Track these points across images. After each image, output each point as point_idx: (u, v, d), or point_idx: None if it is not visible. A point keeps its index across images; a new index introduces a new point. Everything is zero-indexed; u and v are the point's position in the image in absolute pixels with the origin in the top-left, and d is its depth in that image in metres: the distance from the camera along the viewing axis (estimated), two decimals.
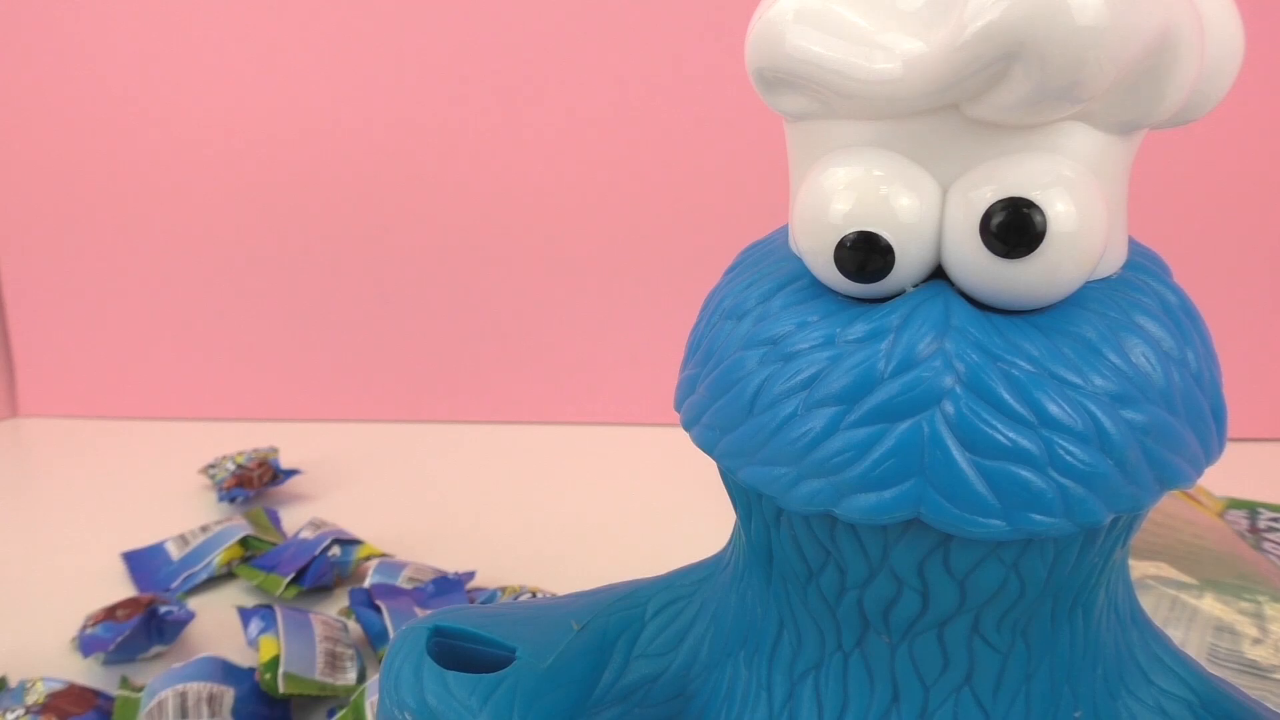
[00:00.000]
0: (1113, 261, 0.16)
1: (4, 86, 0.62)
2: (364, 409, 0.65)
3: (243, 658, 0.36)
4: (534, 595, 0.40)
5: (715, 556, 0.21)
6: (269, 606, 0.39)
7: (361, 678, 0.36)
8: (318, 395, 0.65)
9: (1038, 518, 0.14)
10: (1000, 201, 0.14)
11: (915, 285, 0.15)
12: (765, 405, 0.15)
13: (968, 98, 0.14)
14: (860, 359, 0.15)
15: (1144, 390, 0.15)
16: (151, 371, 0.66)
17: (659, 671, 0.20)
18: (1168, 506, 0.39)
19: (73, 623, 0.40)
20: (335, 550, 0.44)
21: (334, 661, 0.36)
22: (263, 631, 0.37)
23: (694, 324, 0.18)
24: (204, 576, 0.44)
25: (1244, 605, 0.33)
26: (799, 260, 0.17)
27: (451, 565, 0.44)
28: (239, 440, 0.58)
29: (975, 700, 0.17)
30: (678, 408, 0.18)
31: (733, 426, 0.16)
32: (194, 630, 0.40)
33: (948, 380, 0.14)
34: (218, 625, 0.41)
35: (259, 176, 0.62)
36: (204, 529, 0.47)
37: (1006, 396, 0.14)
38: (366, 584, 0.41)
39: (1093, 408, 0.14)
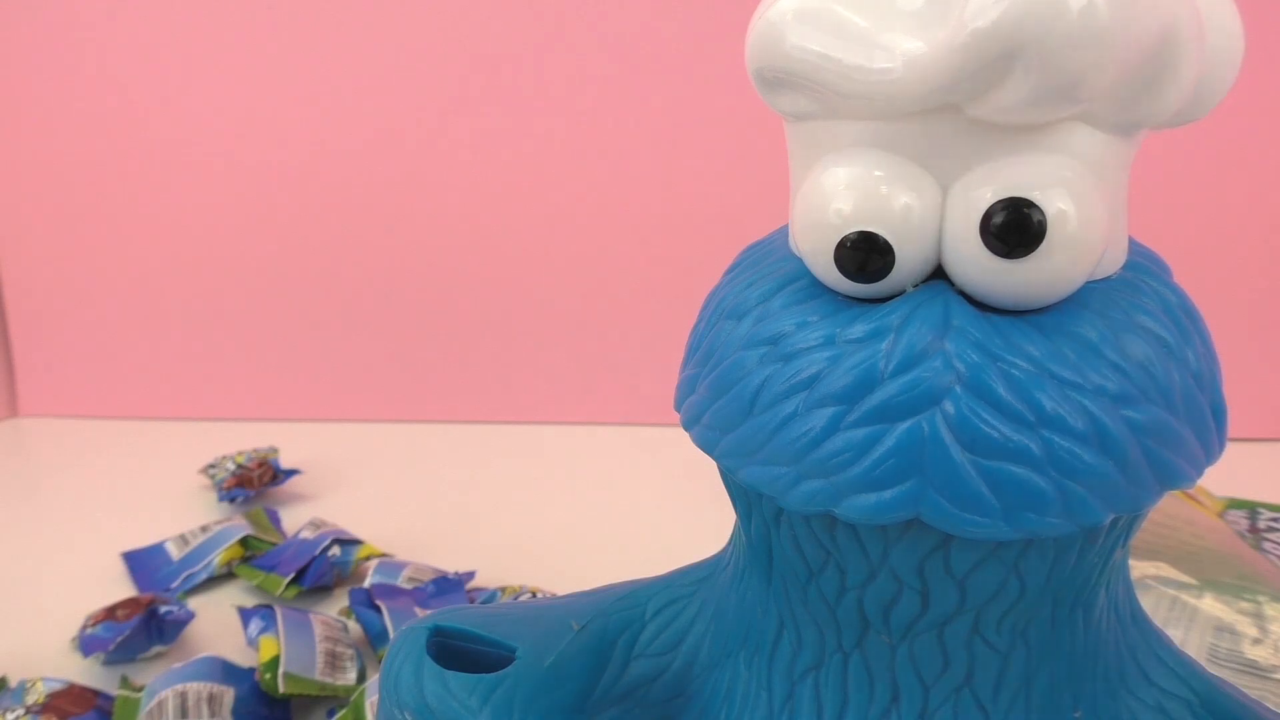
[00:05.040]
0: (1113, 261, 0.16)
1: (5, 88, 0.62)
2: (364, 409, 0.65)
3: (243, 658, 0.36)
4: (534, 595, 0.40)
5: (715, 556, 0.21)
6: (269, 606, 0.39)
7: (361, 678, 0.36)
8: (318, 395, 0.65)
9: (1038, 518, 0.14)
10: (1000, 201, 0.14)
11: (915, 285, 0.15)
12: (765, 405, 0.15)
13: (968, 98, 0.14)
14: (860, 359, 0.15)
15: (1144, 390, 0.15)
16: (151, 371, 0.66)
17: (659, 671, 0.20)
18: (1168, 506, 0.39)
19: (73, 623, 0.40)
20: (335, 550, 0.44)
21: (334, 661, 0.36)
22: (263, 631, 0.37)
23: (694, 324, 0.18)
24: (204, 576, 0.44)
25: (1244, 605, 0.33)
26: (799, 260, 0.17)
27: (451, 565, 0.44)
28: (239, 440, 0.58)
29: (975, 701, 0.17)
30: (678, 408, 0.18)
31: (733, 426, 0.16)
32: (194, 630, 0.40)
33: (948, 380, 0.14)
34: (218, 625, 0.41)
35: (259, 177, 0.62)
36: (204, 529, 0.47)
37: (1007, 396, 0.14)
38: (366, 584, 0.41)
39: (1093, 408, 0.14)
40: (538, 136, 0.60)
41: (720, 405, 0.16)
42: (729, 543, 0.21)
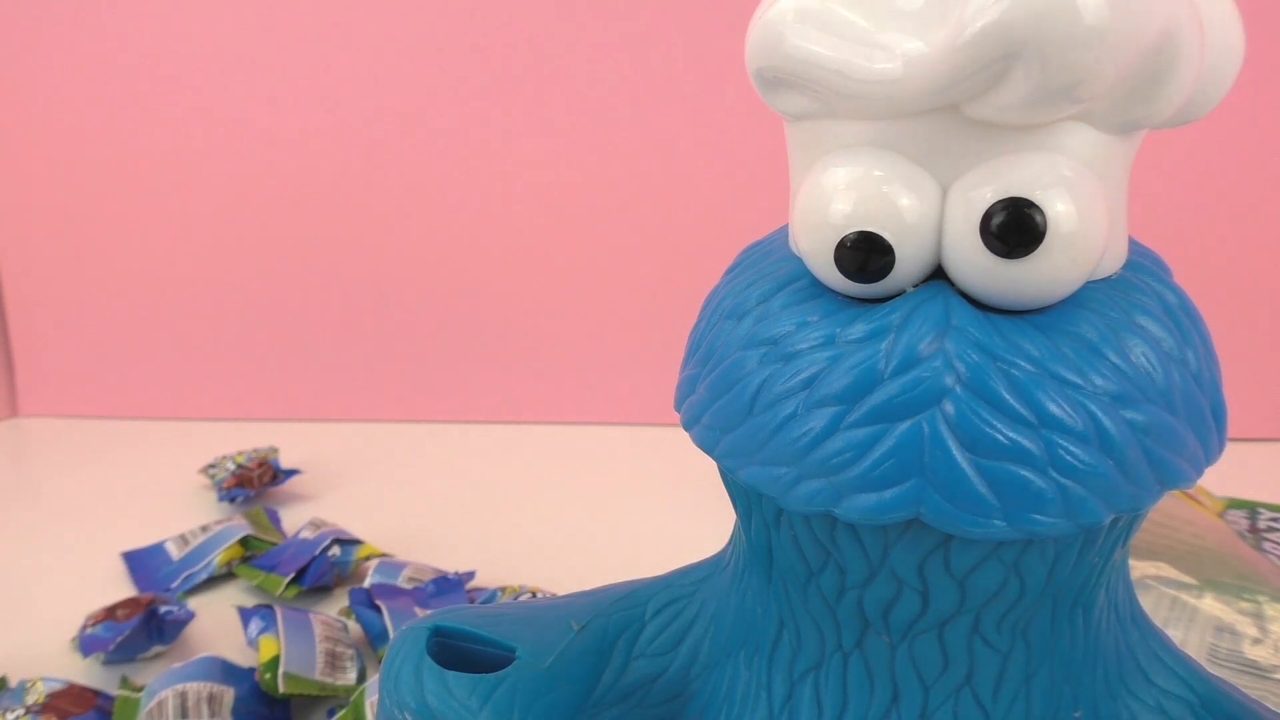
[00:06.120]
0: (1113, 261, 0.16)
1: (5, 88, 0.62)
2: (364, 409, 0.65)
3: (243, 658, 0.36)
4: (534, 595, 0.40)
5: (715, 556, 0.21)
6: (269, 606, 0.39)
7: (361, 678, 0.36)
8: (318, 395, 0.65)
9: (1038, 518, 0.14)
10: (1000, 201, 0.14)
11: (915, 285, 0.15)
12: (765, 405, 0.15)
13: (968, 98, 0.14)
14: (860, 359, 0.15)
15: (1144, 390, 0.15)
16: (151, 371, 0.66)
17: (659, 671, 0.20)
18: (1168, 506, 0.39)
19: (73, 623, 0.40)
20: (335, 550, 0.44)
21: (334, 661, 0.36)
22: (263, 631, 0.37)
23: (694, 324, 0.18)
24: (204, 576, 0.44)
25: (1244, 605, 0.33)
26: (799, 260, 0.17)
27: (451, 565, 0.44)
28: (239, 440, 0.58)
29: (975, 700, 0.17)
30: (678, 408, 0.18)
31: (733, 426, 0.16)
32: (194, 630, 0.40)
33: (948, 380, 0.14)
34: (218, 625, 0.41)
35: (259, 177, 0.62)
36: (204, 529, 0.47)
37: (1007, 396, 0.14)
38: (366, 584, 0.41)
39: (1093, 408, 0.14)
40: (537, 136, 0.60)
41: (720, 405, 0.16)
42: (729, 543, 0.21)
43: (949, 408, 0.14)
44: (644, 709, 0.20)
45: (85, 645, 0.37)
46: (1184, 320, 0.16)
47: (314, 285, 0.64)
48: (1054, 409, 0.14)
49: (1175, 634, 0.32)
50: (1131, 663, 0.18)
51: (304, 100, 0.61)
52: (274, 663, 0.34)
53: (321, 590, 0.43)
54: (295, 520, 0.49)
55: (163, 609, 0.38)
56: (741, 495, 0.18)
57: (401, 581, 0.41)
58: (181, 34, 0.61)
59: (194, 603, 0.42)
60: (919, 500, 0.14)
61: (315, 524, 0.46)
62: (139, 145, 0.62)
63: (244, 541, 0.45)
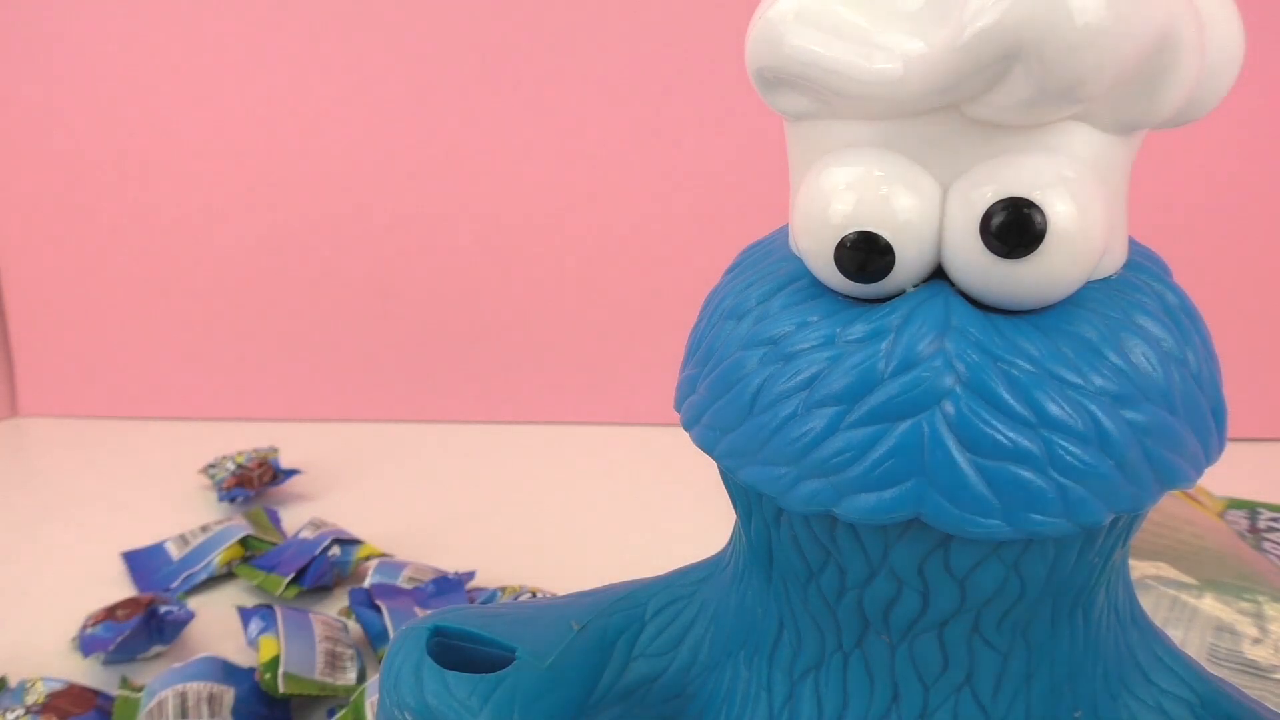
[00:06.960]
0: (1113, 262, 0.16)
1: (5, 88, 0.62)
2: (364, 409, 0.65)
3: (243, 658, 0.36)
4: (534, 595, 0.40)
5: (715, 556, 0.21)
6: (269, 606, 0.39)
7: (361, 678, 0.36)
8: (318, 395, 0.65)
9: (1038, 518, 0.14)
10: (1000, 201, 0.14)
11: (915, 285, 0.15)
12: (765, 405, 0.15)
13: (968, 98, 0.14)
14: (860, 359, 0.15)
15: (1144, 390, 0.15)
16: (151, 371, 0.66)
17: (659, 671, 0.20)
18: (1168, 506, 0.39)
19: (73, 623, 0.40)
20: (335, 550, 0.44)
21: (334, 661, 0.36)
22: (263, 631, 0.37)
23: (694, 324, 0.18)
24: (204, 576, 0.44)
25: (1244, 605, 0.33)
26: (799, 260, 0.17)
27: (451, 565, 0.44)
28: (239, 440, 0.58)
29: (975, 700, 0.17)
30: (678, 408, 0.18)
31: (733, 426, 0.16)
32: (194, 630, 0.40)
33: (948, 380, 0.14)
34: (218, 625, 0.41)
35: (259, 177, 0.62)
36: (204, 529, 0.47)
37: (1007, 396, 0.14)
38: (366, 584, 0.41)
39: (1093, 408, 0.14)
40: (537, 136, 0.60)
41: (720, 405, 0.16)
42: (729, 543, 0.21)
43: (949, 408, 0.14)
44: (644, 709, 0.20)
45: (85, 645, 0.37)
46: (1184, 320, 0.16)
47: (314, 285, 0.64)
48: (1054, 409, 0.14)
49: (1175, 634, 0.32)
50: (1131, 663, 0.18)
51: (303, 101, 0.61)
52: (274, 663, 0.34)
53: (321, 590, 0.43)
54: (295, 520, 0.49)
55: (163, 609, 0.38)
56: (741, 495, 0.18)
57: (401, 581, 0.41)
58: (182, 34, 0.61)
59: (194, 603, 0.42)
60: (919, 500, 0.14)
61: (315, 524, 0.46)
62: (139, 145, 0.62)
63: (244, 541, 0.45)
